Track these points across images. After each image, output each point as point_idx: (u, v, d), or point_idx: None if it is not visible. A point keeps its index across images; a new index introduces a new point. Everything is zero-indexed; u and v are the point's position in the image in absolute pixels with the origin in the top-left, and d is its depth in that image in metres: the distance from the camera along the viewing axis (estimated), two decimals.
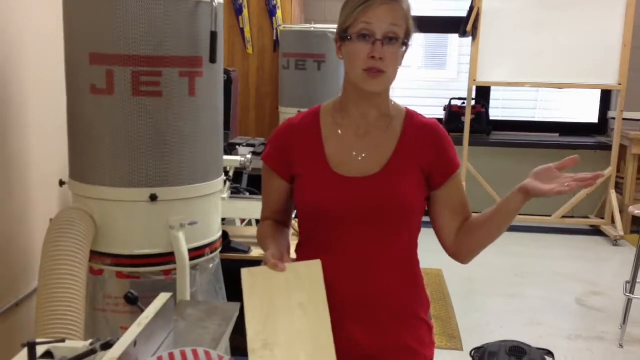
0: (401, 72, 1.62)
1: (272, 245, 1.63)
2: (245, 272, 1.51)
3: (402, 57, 1.61)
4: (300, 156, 1.66)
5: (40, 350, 1.31)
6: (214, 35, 2.11)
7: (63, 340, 1.40)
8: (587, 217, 6.44)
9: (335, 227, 1.62)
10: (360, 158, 1.63)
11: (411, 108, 1.71)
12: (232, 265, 2.58)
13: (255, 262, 2.80)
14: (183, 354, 1.35)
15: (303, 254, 1.70)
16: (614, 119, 6.17)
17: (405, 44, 1.58)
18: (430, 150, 1.64)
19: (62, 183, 2.30)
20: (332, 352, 1.44)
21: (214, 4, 2.11)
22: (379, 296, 1.62)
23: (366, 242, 1.62)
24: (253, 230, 3.15)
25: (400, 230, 1.64)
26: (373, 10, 1.54)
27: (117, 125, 2.05)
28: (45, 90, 2.58)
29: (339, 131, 1.66)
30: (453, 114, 6.72)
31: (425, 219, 1.66)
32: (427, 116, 1.70)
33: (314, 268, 1.54)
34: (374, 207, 1.59)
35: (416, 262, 1.71)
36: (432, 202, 1.68)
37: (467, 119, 6.05)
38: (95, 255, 2.13)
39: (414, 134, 1.65)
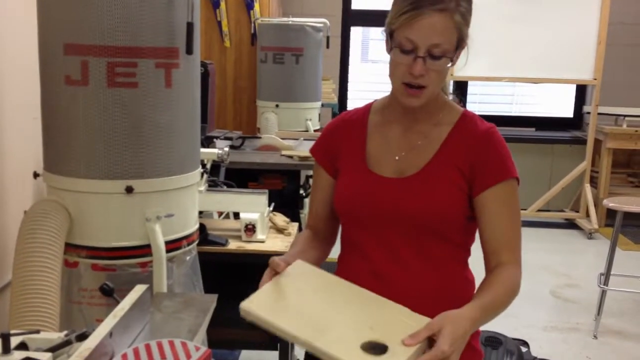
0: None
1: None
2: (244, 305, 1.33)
3: (451, 64, 1.49)
4: (343, 151, 1.59)
5: (14, 341, 1.30)
6: (190, 26, 2.10)
7: (37, 332, 1.40)
8: (562, 211, 6.51)
9: (363, 228, 1.52)
10: (397, 157, 1.53)
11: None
12: (209, 258, 2.58)
13: (232, 255, 2.81)
14: (159, 345, 1.35)
15: (341, 258, 1.61)
16: (589, 113, 6.25)
17: (456, 55, 1.46)
18: (474, 155, 1.49)
19: (36, 175, 2.27)
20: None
21: None
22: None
23: (395, 248, 1.49)
24: (230, 223, 3.15)
25: (434, 238, 1.49)
26: (419, 22, 1.39)
27: (92, 117, 2.03)
28: (19, 80, 2.55)
29: (384, 129, 1.56)
30: None
31: None
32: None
33: (299, 267, 1.42)
34: (402, 211, 1.47)
35: (461, 278, 1.57)
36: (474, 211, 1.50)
37: None
38: (70, 247, 2.11)
39: (462, 137, 1.52)
